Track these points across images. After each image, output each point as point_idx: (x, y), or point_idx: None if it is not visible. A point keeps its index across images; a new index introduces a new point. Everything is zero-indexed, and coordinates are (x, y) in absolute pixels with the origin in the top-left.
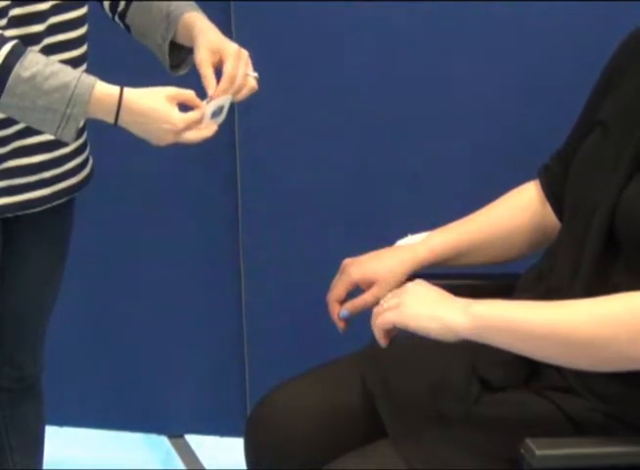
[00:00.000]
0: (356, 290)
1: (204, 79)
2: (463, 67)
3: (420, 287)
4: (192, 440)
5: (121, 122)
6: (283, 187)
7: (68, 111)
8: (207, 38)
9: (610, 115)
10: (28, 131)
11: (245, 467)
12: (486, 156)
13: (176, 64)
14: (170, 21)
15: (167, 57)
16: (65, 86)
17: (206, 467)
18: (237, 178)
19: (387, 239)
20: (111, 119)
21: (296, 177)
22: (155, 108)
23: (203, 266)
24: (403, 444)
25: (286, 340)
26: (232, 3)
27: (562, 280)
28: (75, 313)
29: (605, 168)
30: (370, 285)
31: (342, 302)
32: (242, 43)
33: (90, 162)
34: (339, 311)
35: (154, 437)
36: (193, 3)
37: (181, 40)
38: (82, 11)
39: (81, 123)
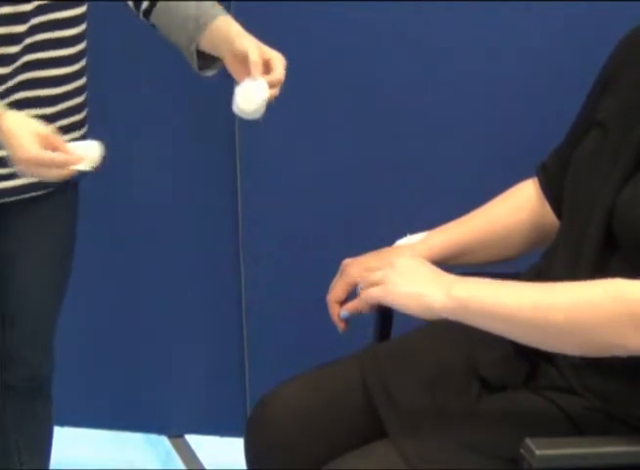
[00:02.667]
0: (356, 290)
1: (251, 63)
2: (462, 67)
3: (406, 262)
4: (192, 440)
5: None
6: (283, 187)
7: None
8: (253, 40)
9: (608, 115)
10: None
11: (245, 467)
12: (485, 155)
13: (203, 66)
14: (199, 24)
15: (195, 58)
16: None
17: (206, 467)
18: (237, 178)
19: (386, 239)
20: None
21: (295, 177)
22: (16, 134)
23: (203, 266)
24: (403, 443)
25: (286, 340)
26: (232, 3)
27: (560, 280)
28: (75, 313)
29: (602, 169)
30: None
31: (343, 302)
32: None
33: None
34: (338, 312)
35: (154, 437)
36: (218, 6)
37: (207, 42)
38: (76, 11)
39: None
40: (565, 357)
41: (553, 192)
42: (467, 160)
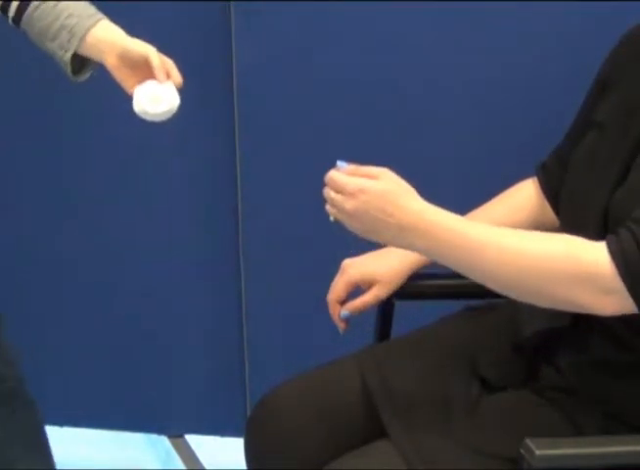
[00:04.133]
0: (356, 290)
1: (156, 68)
2: (462, 67)
3: (374, 199)
4: (192, 440)
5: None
6: (283, 187)
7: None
8: (143, 43)
9: (605, 115)
10: None
11: (245, 467)
12: (485, 155)
13: (77, 70)
14: (74, 34)
15: (69, 66)
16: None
17: (206, 467)
18: (237, 178)
19: None
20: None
21: (295, 177)
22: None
23: (203, 266)
24: (403, 444)
25: (286, 340)
26: (232, 3)
27: None
28: (75, 314)
29: (599, 169)
30: (370, 285)
31: (343, 302)
32: (242, 43)
33: None
34: (339, 312)
35: (154, 437)
36: (91, 8)
37: (85, 53)
38: None
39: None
40: (565, 357)
41: (553, 191)
42: (466, 159)
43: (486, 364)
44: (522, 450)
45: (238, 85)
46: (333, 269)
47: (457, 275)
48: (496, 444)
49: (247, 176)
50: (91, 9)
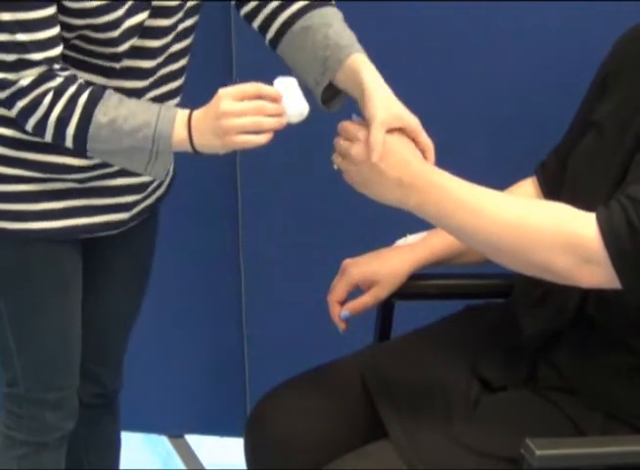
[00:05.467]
0: (356, 290)
1: (373, 139)
2: (461, 67)
3: (380, 172)
4: (192, 440)
5: (197, 146)
6: (283, 187)
7: (155, 148)
8: (387, 98)
9: (604, 116)
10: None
11: (245, 467)
12: (484, 154)
13: (327, 97)
14: (327, 66)
15: (320, 98)
16: (146, 124)
17: (206, 467)
18: (237, 178)
19: (386, 239)
20: (189, 147)
21: (296, 177)
22: (209, 108)
23: (203, 266)
24: (403, 444)
25: (286, 340)
26: (231, 3)
27: (557, 286)
28: None
29: (598, 170)
30: (370, 286)
31: (343, 302)
32: (242, 43)
33: (170, 174)
34: (339, 312)
35: (154, 437)
36: (352, 38)
37: (339, 84)
38: (195, 20)
39: (171, 159)
40: (565, 358)
41: (552, 189)
42: (466, 159)
43: (486, 364)
44: (522, 450)
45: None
46: (333, 269)
47: (457, 275)
48: (496, 444)
49: (247, 176)
50: (349, 38)
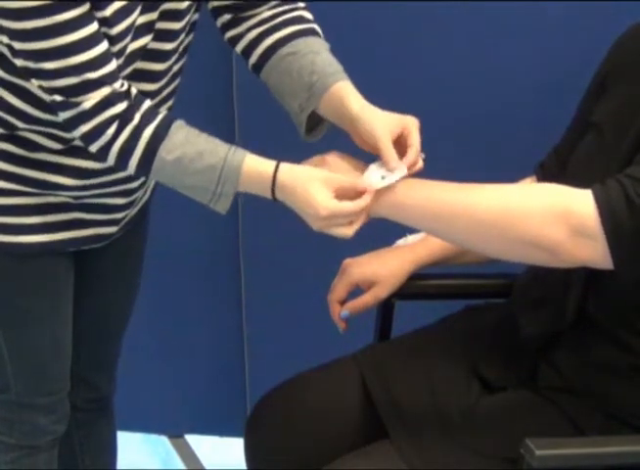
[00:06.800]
0: (356, 290)
1: (384, 152)
2: (461, 66)
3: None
4: (192, 440)
5: (278, 198)
6: None
7: (218, 190)
8: (378, 112)
9: (603, 116)
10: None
11: (245, 467)
12: (484, 154)
13: (310, 127)
14: (313, 92)
15: (304, 126)
16: (212, 168)
17: (206, 467)
18: None
19: (386, 239)
20: (267, 195)
21: None
22: (305, 189)
23: (203, 266)
24: (403, 444)
25: (286, 340)
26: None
27: (557, 286)
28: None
29: (598, 170)
30: (370, 285)
31: (343, 302)
32: None
33: (151, 183)
34: (339, 312)
35: (154, 437)
36: (339, 67)
37: (324, 112)
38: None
39: (232, 196)
40: (565, 358)
41: None
42: (466, 159)
43: (486, 364)
44: (522, 450)
45: (238, 85)
46: (333, 269)
47: (457, 275)
48: (496, 444)
49: None
50: (333, 65)
